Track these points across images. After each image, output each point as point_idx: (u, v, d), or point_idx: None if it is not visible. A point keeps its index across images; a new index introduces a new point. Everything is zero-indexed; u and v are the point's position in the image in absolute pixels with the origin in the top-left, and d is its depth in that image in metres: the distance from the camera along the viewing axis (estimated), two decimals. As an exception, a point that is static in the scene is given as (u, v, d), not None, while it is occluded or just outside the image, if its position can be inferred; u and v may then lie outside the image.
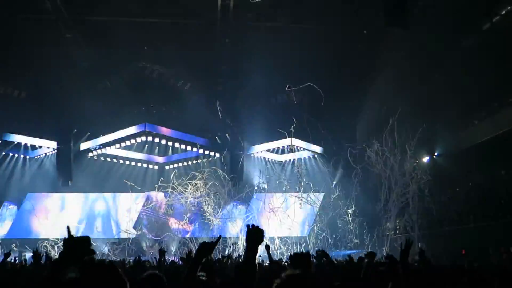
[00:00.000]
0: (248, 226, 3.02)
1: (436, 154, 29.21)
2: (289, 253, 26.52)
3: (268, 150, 33.13)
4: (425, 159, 29.22)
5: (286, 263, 9.02)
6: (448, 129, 28.47)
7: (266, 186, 31.88)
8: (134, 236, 31.30)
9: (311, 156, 33.06)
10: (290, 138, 29.93)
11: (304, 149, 32.11)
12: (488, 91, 25.95)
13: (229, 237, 29.51)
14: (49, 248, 27.55)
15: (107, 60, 27.55)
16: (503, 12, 23.75)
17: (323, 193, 30.48)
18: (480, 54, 24.27)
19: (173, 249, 30.46)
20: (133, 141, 30.41)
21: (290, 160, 33.74)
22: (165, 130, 30.14)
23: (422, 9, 21.51)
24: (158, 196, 32.15)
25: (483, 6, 23.58)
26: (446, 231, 23.66)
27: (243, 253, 3.17)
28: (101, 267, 2.07)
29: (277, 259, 18.71)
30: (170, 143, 31.13)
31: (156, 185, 29.91)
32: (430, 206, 25.80)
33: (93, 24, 25.48)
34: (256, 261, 2.79)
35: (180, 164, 33.50)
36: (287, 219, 30.44)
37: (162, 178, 30.47)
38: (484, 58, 23.96)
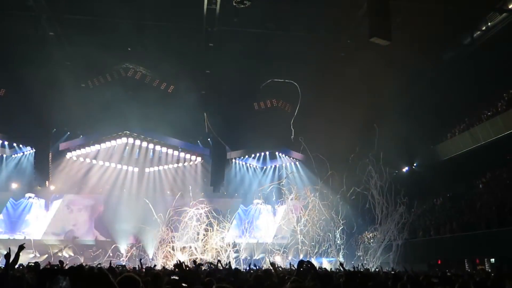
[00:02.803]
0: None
1: (414, 165, 29.72)
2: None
3: (250, 156, 33.16)
4: (404, 169, 29.71)
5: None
6: (426, 141, 29.04)
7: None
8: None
9: (293, 163, 33.20)
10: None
11: (286, 156, 32.25)
12: (465, 106, 26.61)
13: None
14: None
15: (90, 60, 27.21)
16: (484, 27, 24.36)
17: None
18: (460, 69, 24.88)
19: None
20: (113, 142, 30.05)
21: (272, 166, 33.84)
22: (145, 132, 29.90)
23: (403, 23, 21.84)
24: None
25: (464, 21, 24.14)
26: (422, 240, 24.00)
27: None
28: (91, 276, 1.97)
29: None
30: (151, 146, 30.84)
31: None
32: (406, 216, 26.22)
33: (77, 23, 25.15)
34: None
35: (161, 167, 33.20)
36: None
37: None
38: (463, 72, 24.57)
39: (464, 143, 26.41)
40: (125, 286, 3.08)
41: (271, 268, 6.94)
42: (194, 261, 16.31)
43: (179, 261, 6.51)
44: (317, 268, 5.78)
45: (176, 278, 8.08)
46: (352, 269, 14.41)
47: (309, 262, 5.63)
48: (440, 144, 28.81)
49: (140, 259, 15.67)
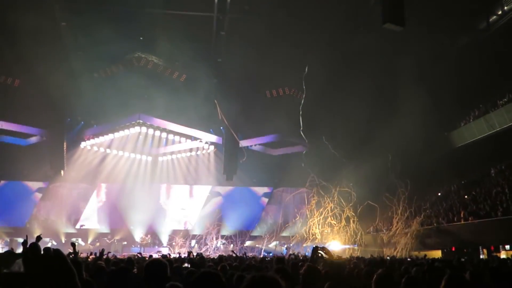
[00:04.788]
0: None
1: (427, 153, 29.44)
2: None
3: (262, 144, 33.18)
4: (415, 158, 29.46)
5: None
6: (440, 128, 28.76)
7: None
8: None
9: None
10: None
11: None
12: (480, 92, 26.27)
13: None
14: None
15: (102, 50, 27.32)
16: (499, 12, 23.94)
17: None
18: (474, 54, 24.51)
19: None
20: (126, 131, 30.27)
21: (283, 154, 33.81)
22: (158, 121, 30.04)
23: (417, 9, 21.52)
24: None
25: (480, 5, 23.76)
26: (437, 228, 23.88)
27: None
28: (46, 258, 1.81)
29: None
30: (163, 134, 31.00)
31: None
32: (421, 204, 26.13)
33: (89, 13, 25.24)
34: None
35: (174, 156, 33.42)
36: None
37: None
38: (478, 58, 24.21)
39: (479, 129, 26.09)
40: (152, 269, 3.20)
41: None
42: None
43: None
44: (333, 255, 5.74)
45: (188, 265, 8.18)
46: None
47: (324, 248, 5.63)
48: (455, 131, 28.52)
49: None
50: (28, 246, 6.03)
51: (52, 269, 1.64)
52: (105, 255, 10.13)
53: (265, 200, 35.30)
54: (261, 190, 35.39)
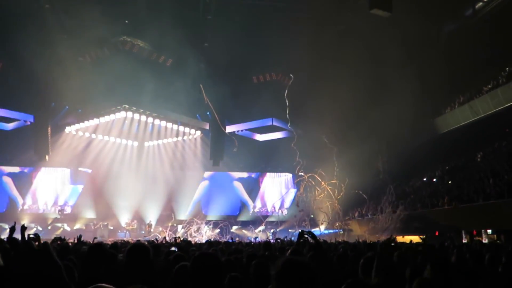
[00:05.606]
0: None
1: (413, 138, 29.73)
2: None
3: (248, 130, 33.18)
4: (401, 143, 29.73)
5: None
6: (425, 114, 29.01)
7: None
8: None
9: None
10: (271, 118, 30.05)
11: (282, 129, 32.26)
12: (465, 78, 26.51)
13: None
14: None
15: (87, 33, 26.88)
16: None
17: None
18: (460, 41, 24.67)
19: None
20: (112, 116, 29.95)
21: (270, 140, 33.89)
22: (144, 107, 29.77)
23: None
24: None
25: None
26: (420, 212, 24.21)
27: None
28: (30, 252, 1.67)
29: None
30: (150, 119, 30.75)
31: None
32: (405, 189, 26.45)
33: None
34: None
35: (160, 142, 33.24)
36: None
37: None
38: (463, 45, 24.37)
39: (464, 116, 26.38)
40: (134, 253, 3.18)
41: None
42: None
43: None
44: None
45: (175, 249, 8.19)
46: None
47: (310, 232, 5.66)
48: (439, 117, 28.80)
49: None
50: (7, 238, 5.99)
51: (37, 264, 1.46)
52: (92, 241, 10.10)
53: (251, 185, 35.46)
54: (247, 175, 35.51)
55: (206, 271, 2.61)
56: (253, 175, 35.56)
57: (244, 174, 35.35)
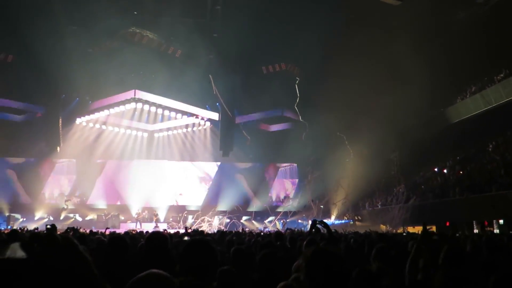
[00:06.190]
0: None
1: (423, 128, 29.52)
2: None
3: (258, 120, 33.12)
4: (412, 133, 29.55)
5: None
6: (436, 104, 28.76)
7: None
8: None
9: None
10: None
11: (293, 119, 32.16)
12: (477, 68, 26.18)
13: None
14: None
15: (96, 25, 26.94)
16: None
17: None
18: (472, 29, 24.31)
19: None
20: (122, 107, 30.04)
21: (280, 130, 33.83)
22: (154, 97, 29.81)
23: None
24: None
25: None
26: (431, 203, 24.12)
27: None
28: (53, 244, 1.49)
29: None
30: (159, 110, 30.80)
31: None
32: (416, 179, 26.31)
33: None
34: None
35: (170, 132, 33.36)
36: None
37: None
38: (475, 33, 24.02)
39: (475, 105, 26.12)
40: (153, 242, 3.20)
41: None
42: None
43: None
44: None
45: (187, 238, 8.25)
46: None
47: (322, 222, 5.65)
48: (450, 107, 28.54)
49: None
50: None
51: (65, 258, 1.31)
52: (104, 231, 10.20)
53: (259, 175, 35.50)
54: (255, 166, 35.54)
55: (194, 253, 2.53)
56: (261, 166, 35.57)
57: (253, 165, 35.35)
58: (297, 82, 26.33)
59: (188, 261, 2.50)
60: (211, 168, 34.79)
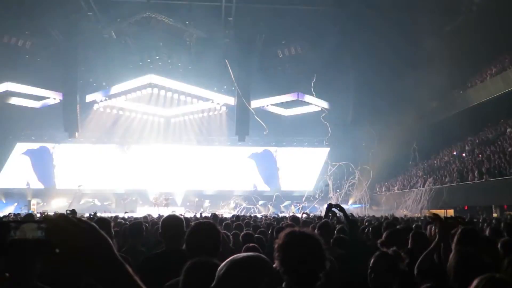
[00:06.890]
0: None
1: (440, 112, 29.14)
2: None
3: (274, 104, 32.93)
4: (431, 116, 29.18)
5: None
6: (456, 87, 28.29)
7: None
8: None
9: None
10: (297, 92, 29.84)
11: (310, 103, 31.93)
12: (497, 49, 25.63)
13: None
14: None
15: (111, 10, 26.96)
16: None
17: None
18: (492, 11, 23.77)
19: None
20: (138, 93, 30.23)
21: (296, 114, 33.62)
22: (170, 82, 29.89)
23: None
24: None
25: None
26: (449, 186, 23.86)
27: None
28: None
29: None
30: (175, 96, 30.91)
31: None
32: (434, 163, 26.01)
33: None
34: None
35: (186, 117, 33.47)
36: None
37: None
38: (495, 14, 23.49)
39: (496, 87, 25.57)
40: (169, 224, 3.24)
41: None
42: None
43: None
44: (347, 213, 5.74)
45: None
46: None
47: (338, 205, 5.63)
48: (471, 88, 28.01)
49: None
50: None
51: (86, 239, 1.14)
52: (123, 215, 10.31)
53: (278, 159, 35.49)
54: (273, 149, 35.51)
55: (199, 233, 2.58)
56: (276, 150, 35.49)
57: (268, 149, 35.32)
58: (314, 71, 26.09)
59: (193, 242, 2.52)
60: (227, 152, 34.80)
